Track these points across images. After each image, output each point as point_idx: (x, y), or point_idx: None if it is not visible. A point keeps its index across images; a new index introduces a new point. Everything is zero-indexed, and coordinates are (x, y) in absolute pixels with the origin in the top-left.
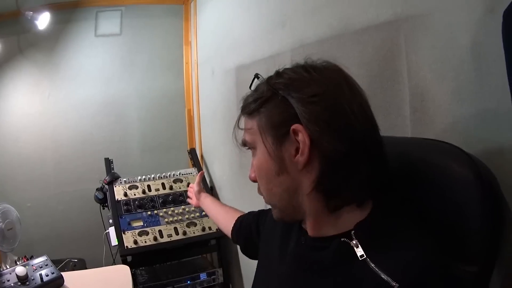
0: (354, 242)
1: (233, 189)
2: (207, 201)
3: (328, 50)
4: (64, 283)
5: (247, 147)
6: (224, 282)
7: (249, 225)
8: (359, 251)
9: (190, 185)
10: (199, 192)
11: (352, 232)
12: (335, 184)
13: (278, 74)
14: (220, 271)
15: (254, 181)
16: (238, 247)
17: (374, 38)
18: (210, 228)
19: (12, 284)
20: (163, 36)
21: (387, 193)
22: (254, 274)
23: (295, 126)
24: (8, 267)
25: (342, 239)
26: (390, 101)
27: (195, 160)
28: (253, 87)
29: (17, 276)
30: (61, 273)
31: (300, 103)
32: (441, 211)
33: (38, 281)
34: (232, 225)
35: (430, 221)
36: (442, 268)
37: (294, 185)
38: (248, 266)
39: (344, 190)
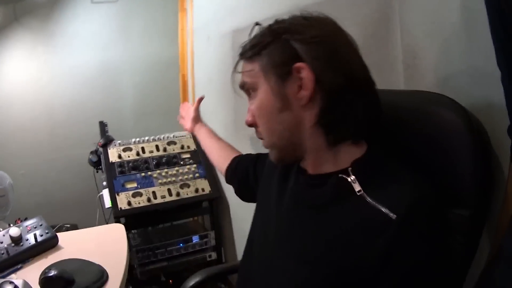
0: (352, 178)
1: None
2: (202, 131)
3: (325, 12)
4: (59, 243)
5: (245, 90)
6: (216, 245)
7: (245, 168)
8: (357, 187)
9: (185, 105)
10: (195, 119)
11: (349, 168)
12: (336, 118)
13: (278, 21)
14: (212, 234)
15: (251, 125)
16: (231, 209)
17: (370, 1)
18: (203, 190)
19: (6, 246)
20: (159, 3)
21: (382, 137)
22: (246, 239)
23: (299, 64)
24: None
25: (340, 175)
26: (384, 59)
27: None
28: (252, 35)
29: (11, 237)
30: (56, 233)
31: (303, 43)
32: (433, 156)
33: (32, 241)
34: (228, 165)
35: (422, 166)
36: (436, 201)
37: (296, 121)
38: (240, 230)
39: (343, 124)
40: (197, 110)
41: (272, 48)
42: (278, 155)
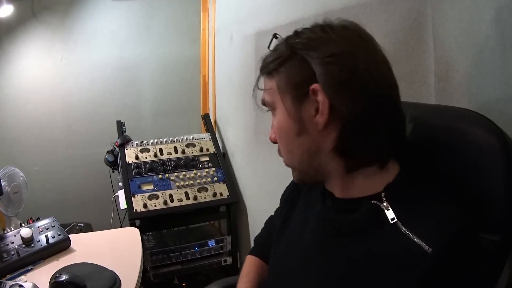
0: (384, 204)
1: (247, 154)
2: None
3: (353, 18)
4: (71, 245)
5: (266, 107)
6: (232, 250)
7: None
8: (390, 214)
9: None
10: None
11: (383, 194)
12: (354, 145)
13: (296, 33)
14: (228, 238)
15: (275, 142)
16: (249, 214)
17: (401, 8)
18: (221, 194)
19: (16, 246)
20: (181, 2)
21: (413, 157)
22: None
23: (315, 86)
24: (12, 229)
25: (372, 201)
26: (415, 70)
27: (209, 125)
28: (271, 47)
29: (22, 238)
30: (68, 235)
31: (318, 63)
32: (465, 178)
33: (44, 243)
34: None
35: (453, 187)
36: (474, 234)
37: (315, 146)
38: None
39: (362, 151)
40: None
41: (289, 66)
42: (298, 177)
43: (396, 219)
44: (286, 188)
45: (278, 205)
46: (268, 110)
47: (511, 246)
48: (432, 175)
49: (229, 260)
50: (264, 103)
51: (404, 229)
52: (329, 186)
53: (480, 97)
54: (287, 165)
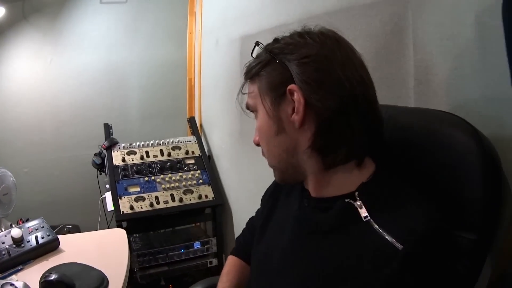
0: (358, 203)
1: (232, 157)
2: None
3: (335, 22)
4: (60, 246)
5: (250, 111)
6: (218, 252)
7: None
8: (363, 212)
9: None
10: None
11: (356, 193)
12: (329, 142)
13: (275, 40)
14: (214, 240)
15: (258, 144)
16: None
17: (382, 13)
18: (206, 196)
19: (7, 247)
20: (168, 6)
21: (388, 157)
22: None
23: (291, 86)
24: (3, 230)
25: (346, 200)
26: (395, 73)
27: (194, 128)
28: (254, 54)
29: (12, 238)
30: (57, 236)
31: (294, 65)
32: (442, 178)
33: (34, 243)
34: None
35: (431, 187)
36: (445, 232)
37: (292, 144)
38: None
39: (337, 148)
40: None
41: (269, 69)
42: (280, 176)
43: (369, 217)
44: (267, 189)
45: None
46: (251, 112)
47: (489, 245)
48: (409, 175)
49: (214, 261)
50: (247, 107)
51: (376, 226)
52: (307, 185)
53: (458, 100)
54: (269, 166)
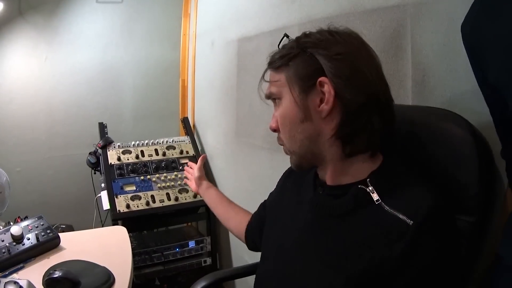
0: (370, 188)
1: (227, 157)
2: (210, 194)
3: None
4: (60, 243)
5: (272, 99)
6: (212, 251)
7: (261, 219)
8: (375, 196)
9: (188, 165)
10: (200, 178)
11: (368, 179)
12: (352, 131)
13: (306, 35)
14: (208, 239)
15: (274, 130)
16: None
17: (382, 18)
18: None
19: (7, 244)
20: (163, 7)
21: (395, 149)
22: (241, 245)
23: (322, 78)
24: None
25: (359, 186)
26: (394, 74)
27: (188, 128)
28: (281, 46)
29: (12, 236)
30: (58, 233)
31: (327, 59)
32: (442, 167)
33: (34, 240)
34: (245, 232)
35: (432, 176)
36: (448, 209)
37: (316, 132)
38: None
39: (359, 138)
40: (201, 169)
41: (298, 61)
42: (297, 162)
43: (380, 200)
44: (281, 177)
45: (258, 206)
46: (273, 100)
47: (486, 227)
48: (413, 165)
49: (208, 260)
50: (269, 95)
51: (387, 207)
52: (322, 173)
53: (453, 99)
54: (286, 152)
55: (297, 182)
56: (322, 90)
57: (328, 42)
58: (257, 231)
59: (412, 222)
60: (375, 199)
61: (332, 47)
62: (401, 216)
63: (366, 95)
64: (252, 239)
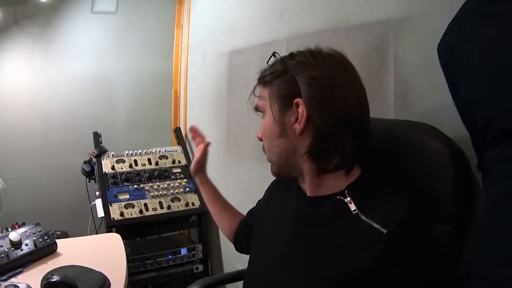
0: (348, 199)
1: (218, 166)
2: (206, 189)
3: (322, 42)
4: (57, 249)
5: (258, 111)
6: (204, 258)
7: (249, 226)
8: (352, 207)
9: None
10: (199, 164)
11: (346, 191)
12: (323, 151)
13: (291, 55)
14: (200, 247)
15: (260, 139)
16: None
17: (367, 34)
18: (193, 204)
19: (6, 249)
20: (156, 18)
21: (374, 162)
22: (233, 252)
23: (298, 99)
24: None
25: (337, 197)
26: (377, 89)
27: (180, 138)
28: (270, 63)
29: (11, 241)
30: (55, 239)
31: (304, 82)
32: (420, 179)
33: (32, 246)
34: (234, 235)
35: (410, 187)
36: (422, 217)
37: (291, 147)
38: (227, 243)
39: (331, 157)
40: (201, 158)
41: (281, 80)
42: (275, 170)
43: (357, 210)
44: (270, 184)
45: (248, 213)
46: (259, 112)
47: (463, 236)
48: (391, 177)
49: (200, 267)
50: (257, 108)
51: (363, 217)
52: (303, 184)
53: (433, 113)
54: (268, 160)
55: (284, 191)
56: (297, 110)
57: (308, 65)
58: (244, 237)
59: (386, 230)
60: (352, 209)
61: (311, 70)
62: (375, 225)
63: (337, 119)
64: (239, 245)
